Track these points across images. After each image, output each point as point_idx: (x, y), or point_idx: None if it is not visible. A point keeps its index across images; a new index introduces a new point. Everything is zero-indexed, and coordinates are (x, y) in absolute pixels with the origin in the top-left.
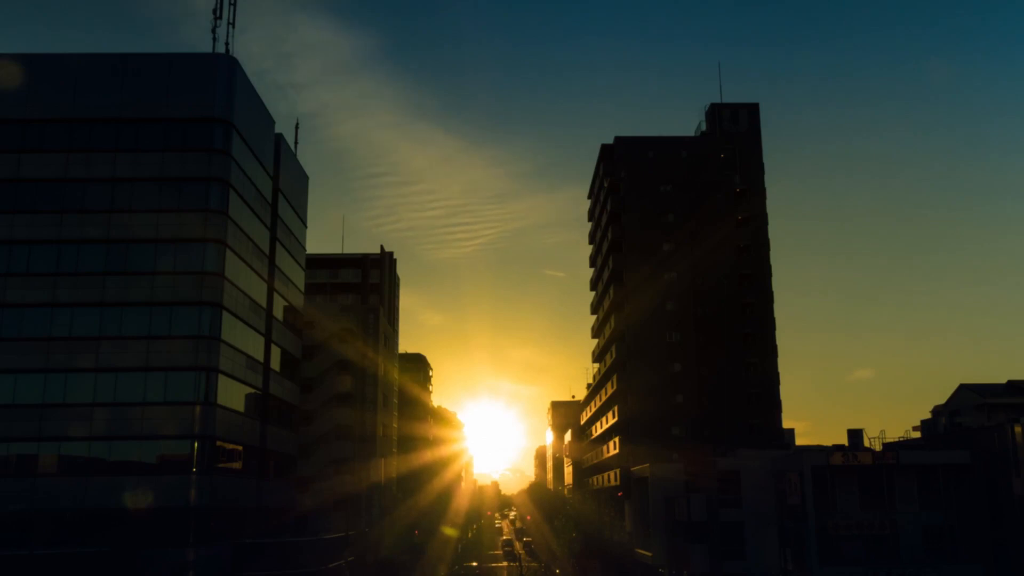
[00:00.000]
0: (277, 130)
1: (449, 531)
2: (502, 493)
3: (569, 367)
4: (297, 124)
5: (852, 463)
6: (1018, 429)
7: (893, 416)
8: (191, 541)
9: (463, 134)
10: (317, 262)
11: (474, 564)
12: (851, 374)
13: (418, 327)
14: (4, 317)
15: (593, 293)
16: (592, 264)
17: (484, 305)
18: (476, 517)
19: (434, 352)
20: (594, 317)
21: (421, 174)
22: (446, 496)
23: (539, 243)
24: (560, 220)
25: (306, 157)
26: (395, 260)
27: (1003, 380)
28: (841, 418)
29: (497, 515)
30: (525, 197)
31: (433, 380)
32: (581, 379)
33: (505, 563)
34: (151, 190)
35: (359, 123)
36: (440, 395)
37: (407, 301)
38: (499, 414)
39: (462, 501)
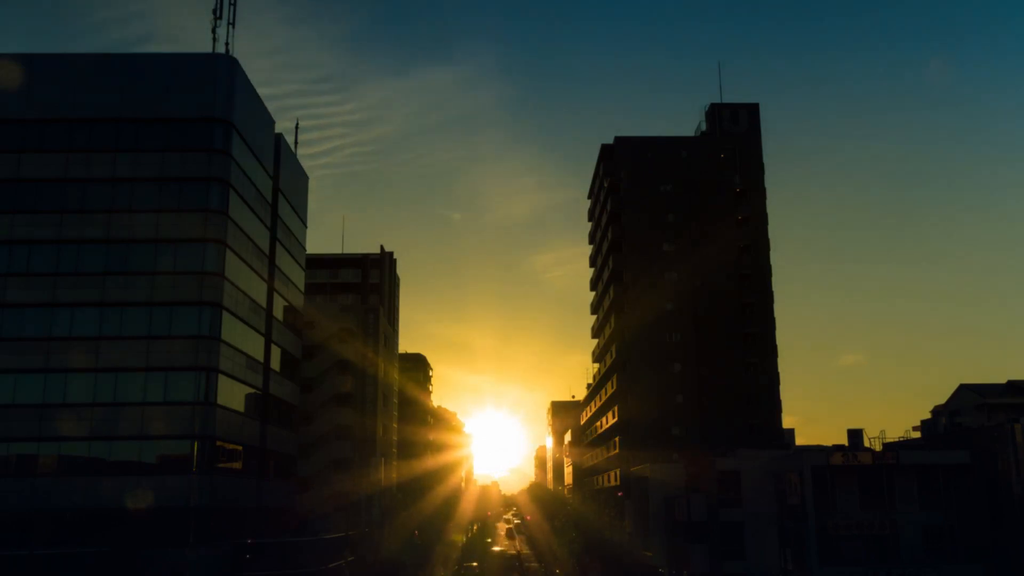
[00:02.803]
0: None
1: (453, 532)
2: (503, 493)
3: (569, 368)
4: (297, 124)
5: (852, 463)
6: (1018, 428)
7: (893, 416)
8: (191, 541)
9: None
10: (317, 262)
11: (474, 564)
12: (851, 374)
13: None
14: (4, 317)
15: (593, 293)
16: (592, 264)
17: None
18: (476, 517)
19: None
20: (594, 317)
21: None
22: (446, 496)
23: (539, 243)
24: (560, 220)
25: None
26: (395, 260)
27: (1003, 380)
28: (841, 418)
29: (498, 515)
30: (525, 197)
31: (435, 381)
32: (581, 379)
33: (505, 563)
34: (151, 190)
35: None
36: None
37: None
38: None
39: (462, 501)
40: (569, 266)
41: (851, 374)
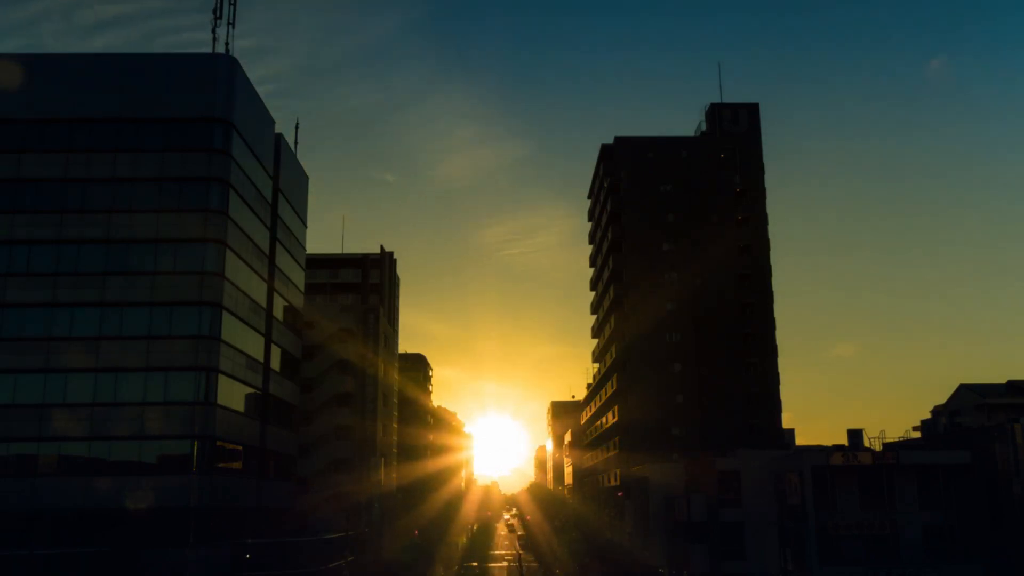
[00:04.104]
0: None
1: (453, 533)
2: (503, 493)
3: (569, 368)
4: (297, 124)
5: (852, 463)
6: (1018, 428)
7: (893, 416)
8: (191, 541)
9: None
10: (317, 262)
11: (474, 564)
12: (851, 374)
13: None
14: (4, 317)
15: (593, 293)
16: (592, 264)
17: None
18: (477, 518)
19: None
20: (594, 317)
21: None
22: (446, 496)
23: (539, 243)
24: (560, 220)
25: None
26: (395, 260)
27: (1003, 380)
28: (841, 418)
29: (499, 515)
30: (524, 197)
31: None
32: (581, 379)
33: (505, 563)
34: (151, 190)
35: None
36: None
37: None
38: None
39: (462, 501)
40: (569, 267)
41: (851, 374)
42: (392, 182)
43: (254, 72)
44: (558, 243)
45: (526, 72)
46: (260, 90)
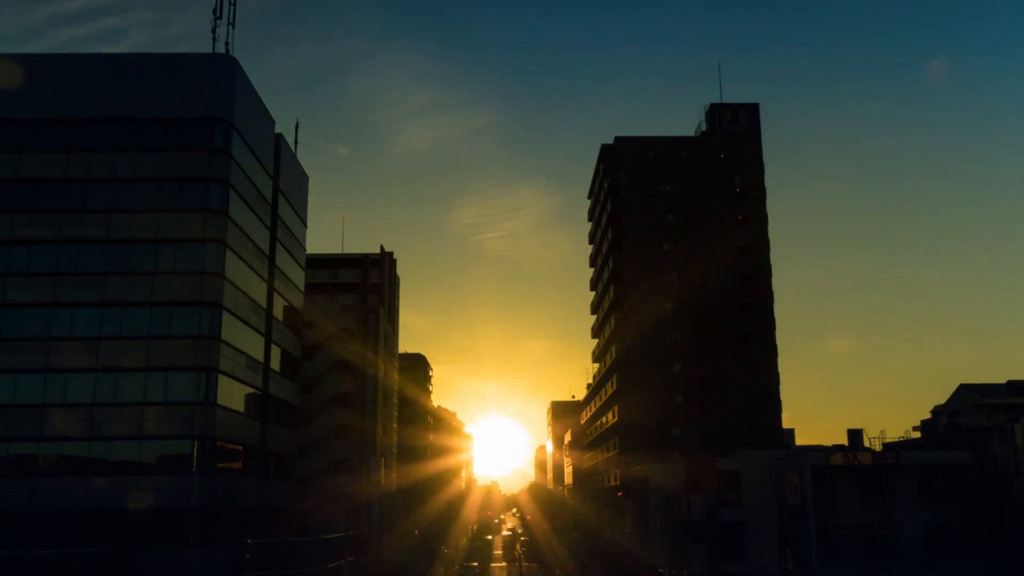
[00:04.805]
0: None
1: (453, 532)
2: (503, 493)
3: (569, 368)
4: (297, 124)
5: (852, 463)
6: (1018, 428)
7: (893, 416)
8: (191, 541)
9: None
10: (317, 262)
11: (474, 564)
12: (850, 373)
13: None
14: (4, 317)
15: (593, 293)
16: (592, 264)
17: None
18: (477, 518)
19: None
20: (594, 317)
21: None
22: (446, 496)
23: (539, 243)
24: (559, 220)
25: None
26: (395, 260)
27: (1003, 380)
28: (840, 418)
29: (499, 515)
30: (524, 196)
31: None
32: (581, 379)
33: (505, 563)
34: (151, 190)
35: None
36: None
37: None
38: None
39: (462, 501)
40: (569, 267)
41: (851, 374)
42: (345, 154)
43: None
44: (538, 225)
45: (526, 72)
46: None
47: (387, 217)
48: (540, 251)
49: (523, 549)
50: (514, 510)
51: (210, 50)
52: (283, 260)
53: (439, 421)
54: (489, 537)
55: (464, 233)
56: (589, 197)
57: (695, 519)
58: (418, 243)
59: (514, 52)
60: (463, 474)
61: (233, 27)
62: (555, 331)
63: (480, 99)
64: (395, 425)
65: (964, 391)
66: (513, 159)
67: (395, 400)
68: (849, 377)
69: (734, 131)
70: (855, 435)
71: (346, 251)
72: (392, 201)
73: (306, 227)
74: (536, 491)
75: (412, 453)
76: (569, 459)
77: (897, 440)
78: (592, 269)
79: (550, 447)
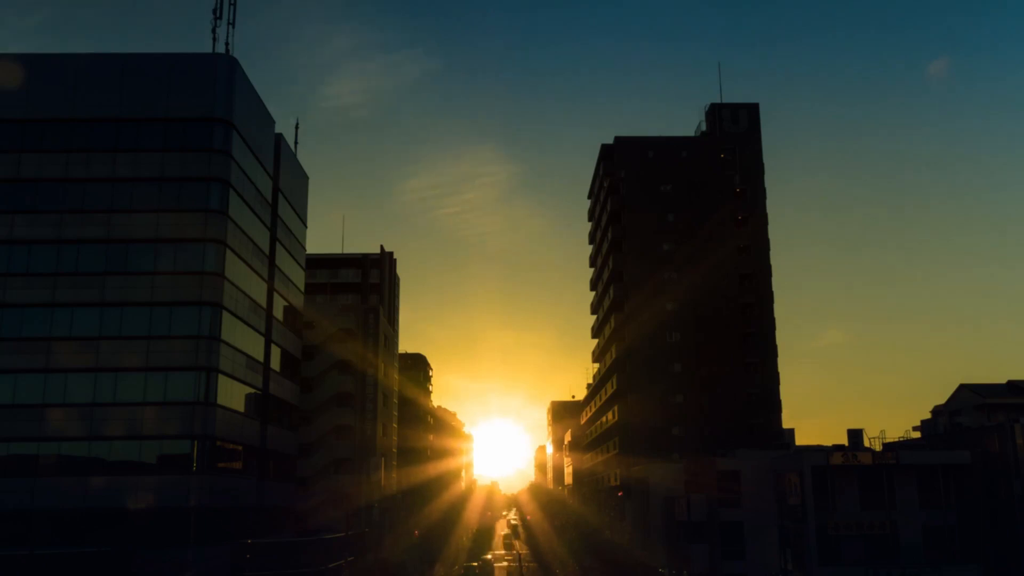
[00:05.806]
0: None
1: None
2: (504, 493)
3: (569, 368)
4: (297, 124)
5: (852, 463)
6: (1018, 428)
7: (892, 415)
8: (191, 541)
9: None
10: (317, 262)
11: (474, 564)
12: (850, 373)
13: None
14: (4, 317)
15: (593, 293)
16: (592, 264)
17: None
18: (477, 518)
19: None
20: (594, 317)
21: None
22: (447, 496)
23: (539, 243)
24: (559, 220)
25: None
26: (395, 260)
27: (1003, 380)
28: (840, 418)
29: (499, 515)
30: (525, 197)
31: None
32: (581, 379)
33: (505, 563)
34: (151, 190)
35: None
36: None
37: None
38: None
39: (462, 501)
40: (569, 267)
41: (851, 374)
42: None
43: None
44: (496, 198)
45: (526, 72)
46: None
47: (387, 216)
48: (540, 251)
49: (524, 549)
50: (515, 510)
51: (210, 50)
52: (283, 260)
53: (439, 421)
54: (489, 537)
55: (379, 177)
56: (589, 197)
57: (695, 519)
58: (323, 178)
59: (514, 52)
60: (464, 475)
61: (233, 27)
62: (555, 331)
63: (476, 98)
64: (395, 425)
65: (964, 391)
66: (463, 121)
67: (395, 400)
68: (849, 377)
69: (734, 131)
70: (855, 435)
71: (346, 251)
72: (314, 149)
73: (306, 227)
74: (536, 491)
75: (412, 453)
76: (569, 459)
77: (897, 440)
78: (592, 269)
79: (550, 447)
